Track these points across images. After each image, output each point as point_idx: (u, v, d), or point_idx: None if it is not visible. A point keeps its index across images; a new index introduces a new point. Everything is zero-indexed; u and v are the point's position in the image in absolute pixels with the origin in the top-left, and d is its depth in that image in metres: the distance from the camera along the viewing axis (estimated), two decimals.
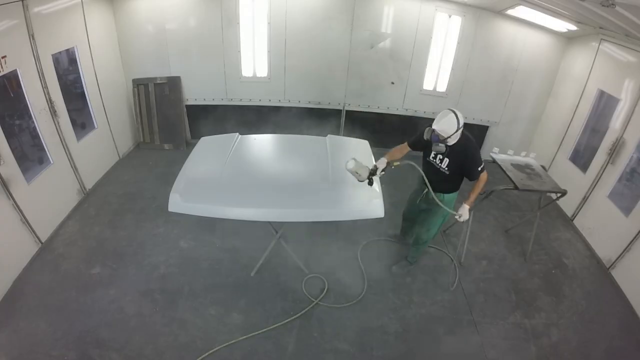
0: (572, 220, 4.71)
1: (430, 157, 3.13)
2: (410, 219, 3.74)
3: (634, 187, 4.03)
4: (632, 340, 3.25)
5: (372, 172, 2.96)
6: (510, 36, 5.20)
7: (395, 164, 3.03)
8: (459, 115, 2.81)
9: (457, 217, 3.04)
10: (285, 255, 3.64)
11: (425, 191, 3.23)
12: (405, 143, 3.21)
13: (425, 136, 2.95)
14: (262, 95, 5.72)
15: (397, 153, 3.17)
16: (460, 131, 2.87)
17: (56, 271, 3.48)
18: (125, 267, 3.56)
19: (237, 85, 5.61)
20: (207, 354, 2.85)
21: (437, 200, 3.05)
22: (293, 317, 3.18)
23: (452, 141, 2.92)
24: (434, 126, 2.85)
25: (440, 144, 2.90)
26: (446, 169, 3.05)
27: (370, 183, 2.97)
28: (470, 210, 3.05)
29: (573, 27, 4.56)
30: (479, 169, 2.96)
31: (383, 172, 3.02)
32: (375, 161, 3.10)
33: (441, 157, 3.05)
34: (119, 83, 5.27)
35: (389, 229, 4.15)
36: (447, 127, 2.81)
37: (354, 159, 2.89)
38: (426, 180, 3.04)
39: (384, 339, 3.11)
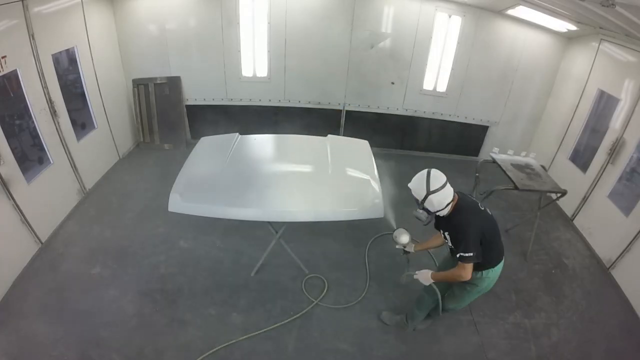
0: (572, 220, 4.71)
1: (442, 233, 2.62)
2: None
3: (634, 187, 4.03)
4: (632, 340, 3.24)
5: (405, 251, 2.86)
6: (510, 36, 5.20)
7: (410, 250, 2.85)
8: (434, 175, 2.35)
9: (410, 274, 2.69)
10: (285, 255, 3.64)
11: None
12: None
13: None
14: (262, 95, 5.72)
15: (434, 241, 2.86)
16: (445, 200, 2.36)
17: (56, 271, 3.48)
18: (125, 267, 3.56)
19: (237, 85, 5.61)
20: (207, 354, 2.85)
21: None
22: (293, 317, 3.19)
23: (436, 209, 2.40)
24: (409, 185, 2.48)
25: (419, 211, 2.46)
26: (451, 245, 2.51)
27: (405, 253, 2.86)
28: (430, 281, 2.60)
29: (573, 27, 4.57)
30: (460, 254, 2.32)
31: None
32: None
33: (446, 233, 2.51)
34: (119, 83, 5.27)
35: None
36: (416, 186, 2.40)
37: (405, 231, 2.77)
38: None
39: (384, 339, 3.11)
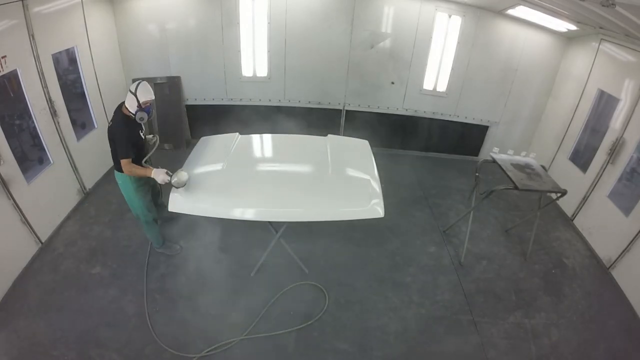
0: (572, 220, 4.71)
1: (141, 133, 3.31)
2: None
3: (634, 186, 4.03)
4: (632, 341, 3.25)
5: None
6: (511, 36, 5.20)
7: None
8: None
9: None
10: (285, 255, 3.64)
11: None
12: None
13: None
14: (262, 95, 5.72)
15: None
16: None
17: (56, 271, 3.48)
18: (125, 267, 3.56)
19: (237, 85, 5.61)
20: (207, 353, 2.85)
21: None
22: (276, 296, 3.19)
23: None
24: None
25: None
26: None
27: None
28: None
29: (573, 27, 4.57)
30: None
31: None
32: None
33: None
34: (119, 83, 5.26)
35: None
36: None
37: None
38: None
39: (384, 339, 3.11)
